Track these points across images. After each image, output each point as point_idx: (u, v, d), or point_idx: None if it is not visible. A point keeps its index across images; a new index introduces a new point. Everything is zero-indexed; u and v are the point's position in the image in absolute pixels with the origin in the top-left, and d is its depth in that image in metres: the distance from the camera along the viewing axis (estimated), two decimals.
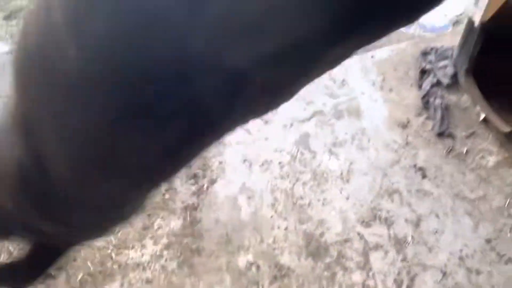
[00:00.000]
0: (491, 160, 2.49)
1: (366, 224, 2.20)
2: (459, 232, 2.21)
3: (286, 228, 2.15)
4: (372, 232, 2.18)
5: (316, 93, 2.68)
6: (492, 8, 2.35)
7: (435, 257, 2.14)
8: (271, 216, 2.12)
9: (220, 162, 2.36)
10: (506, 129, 2.40)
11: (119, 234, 2.10)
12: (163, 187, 2.26)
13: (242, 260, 2.05)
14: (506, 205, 2.31)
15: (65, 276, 1.97)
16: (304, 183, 2.30)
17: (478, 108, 2.64)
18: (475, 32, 2.46)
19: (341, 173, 2.35)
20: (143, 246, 2.08)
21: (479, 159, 2.49)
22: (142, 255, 2.06)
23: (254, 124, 2.51)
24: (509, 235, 2.21)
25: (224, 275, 2.00)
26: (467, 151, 2.51)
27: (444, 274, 2.09)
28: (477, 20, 2.44)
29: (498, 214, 2.28)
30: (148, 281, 1.98)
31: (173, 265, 2.04)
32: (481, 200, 2.33)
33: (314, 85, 2.72)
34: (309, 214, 2.20)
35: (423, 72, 2.75)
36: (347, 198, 2.27)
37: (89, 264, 2.00)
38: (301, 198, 2.25)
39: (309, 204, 2.22)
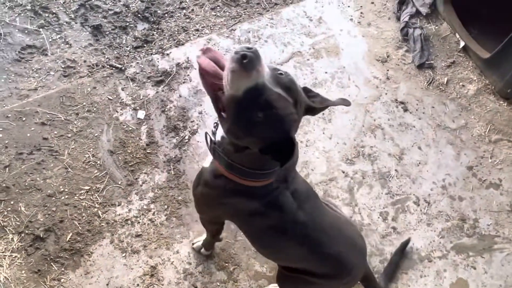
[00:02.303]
0: (471, 88, 2.47)
1: (350, 161, 2.21)
2: (441, 162, 2.23)
3: None
4: (356, 169, 2.19)
5: (292, 33, 2.59)
6: None
7: (419, 188, 2.17)
8: None
9: (200, 112, 2.31)
10: (485, 55, 2.37)
11: (104, 192, 2.08)
12: (144, 142, 2.22)
13: None
14: (486, 132, 2.33)
15: (53, 237, 1.97)
16: None
17: (457, 36, 2.58)
18: None
19: (323, 113, 2.33)
20: (129, 202, 2.07)
21: (460, 88, 2.47)
22: (130, 210, 2.05)
23: None
24: (490, 160, 2.25)
25: None
26: (447, 81, 2.48)
27: (428, 203, 2.13)
28: None
29: (480, 141, 2.30)
30: (138, 235, 1.99)
31: (161, 217, 2.04)
32: (462, 129, 2.34)
33: (290, 25, 2.63)
34: None
35: (401, 3, 2.66)
36: (330, 138, 2.26)
37: (76, 223, 1.99)
38: None
39: None
